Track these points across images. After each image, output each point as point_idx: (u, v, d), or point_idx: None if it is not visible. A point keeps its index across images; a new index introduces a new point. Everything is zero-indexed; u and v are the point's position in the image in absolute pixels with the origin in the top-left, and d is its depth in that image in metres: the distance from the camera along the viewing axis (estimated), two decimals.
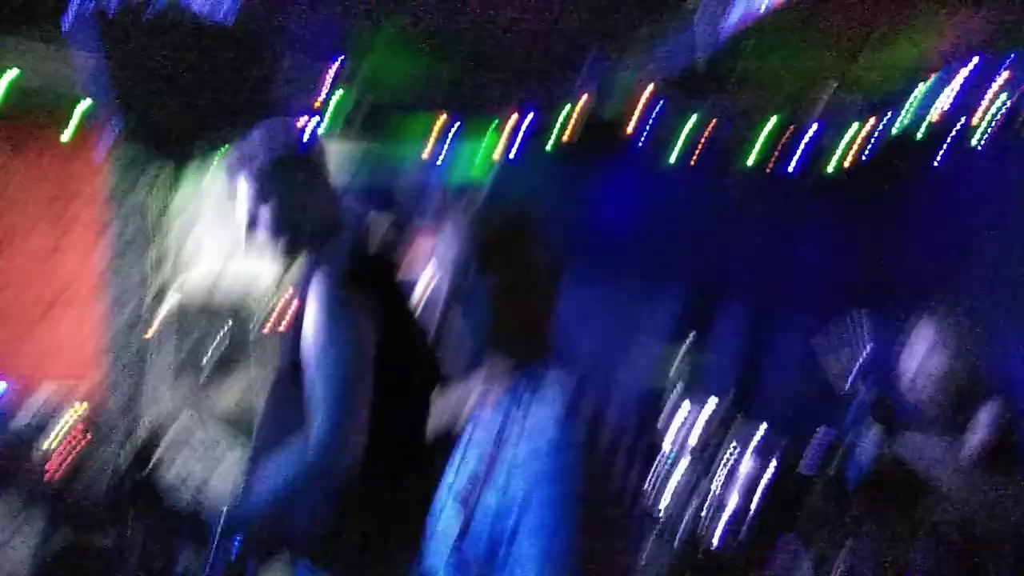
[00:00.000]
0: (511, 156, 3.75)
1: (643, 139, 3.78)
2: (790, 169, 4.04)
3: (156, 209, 3.41)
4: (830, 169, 3.99)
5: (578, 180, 3.93)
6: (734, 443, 2.87)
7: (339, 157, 3.72)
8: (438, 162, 3.74)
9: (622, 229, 3.98)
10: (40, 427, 3.07)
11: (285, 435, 1.62)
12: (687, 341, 3.15)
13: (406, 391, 1.79)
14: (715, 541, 2.80)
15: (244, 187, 1.76)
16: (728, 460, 2.85)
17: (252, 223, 1.78)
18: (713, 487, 2.85)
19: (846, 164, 3.93)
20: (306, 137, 1.82)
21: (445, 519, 1.21)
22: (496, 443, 1.18)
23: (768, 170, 4.06)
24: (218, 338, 3.42)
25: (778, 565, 2.71)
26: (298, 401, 1.63)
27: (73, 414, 3.18)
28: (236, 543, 1.57)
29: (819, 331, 3.78)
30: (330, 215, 1.81)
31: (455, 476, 1.28)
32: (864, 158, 3.84)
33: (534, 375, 1.21)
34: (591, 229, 3.90)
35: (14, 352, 3.55)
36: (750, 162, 4.00)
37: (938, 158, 3.70)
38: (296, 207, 1.75)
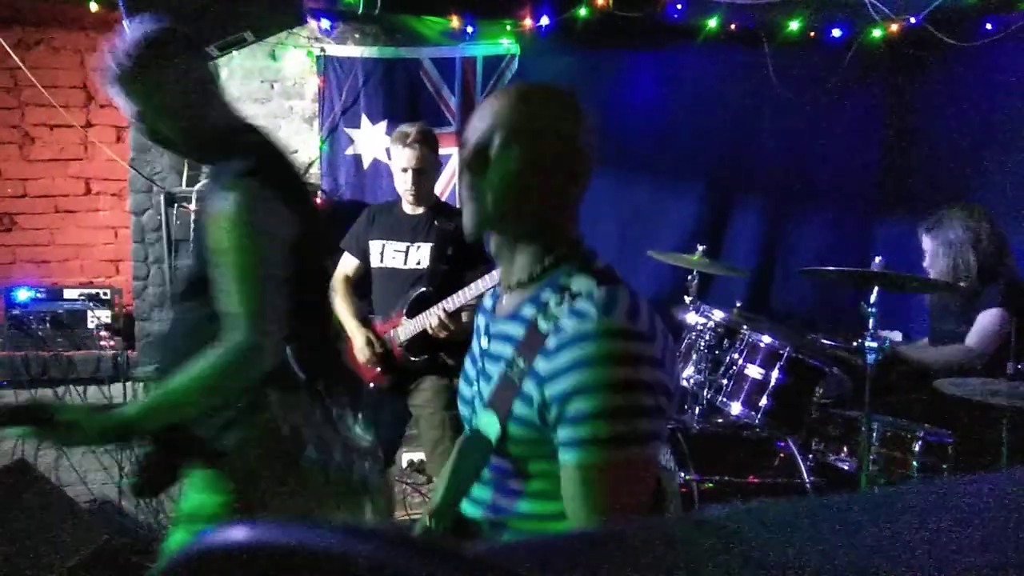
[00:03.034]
0: (541, 24, 3.67)
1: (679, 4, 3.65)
2: (835, 34, 3.88)
3: None
4: (876, 34, 3.82)
5: (610, 53, 3.85)
6: (750, 333, 3.00)
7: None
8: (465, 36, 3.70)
9: (655, 106, 3.94)
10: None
11: (193, 352, 1.50)
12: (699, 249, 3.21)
13: (322, 296, 1.86)
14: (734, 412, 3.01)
15: (117, 94, 1.59)
16: (743, 348, 2.99)
17: (145, 132, 1.64)
18: (729, 370, 3.02)
19: (893, 29, 3.75)
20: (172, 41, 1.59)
21: (483, 425, 1.19)
22: (522, 353, 1.15)
23: (812, 35, 3.90)
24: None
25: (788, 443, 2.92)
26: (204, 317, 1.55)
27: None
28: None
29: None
30: (222, 118, 1.66)
31: (480, 383, 1.28)
32: (913, 22, 3.65)
33: (557, 285, 1.17)
34: (619, 110, 3.87)
35: (41, 257, 3.68)
36: (794, 26, 3.83)
37: (986, 28, 3.52)
38: (171, 110, 1.60)
